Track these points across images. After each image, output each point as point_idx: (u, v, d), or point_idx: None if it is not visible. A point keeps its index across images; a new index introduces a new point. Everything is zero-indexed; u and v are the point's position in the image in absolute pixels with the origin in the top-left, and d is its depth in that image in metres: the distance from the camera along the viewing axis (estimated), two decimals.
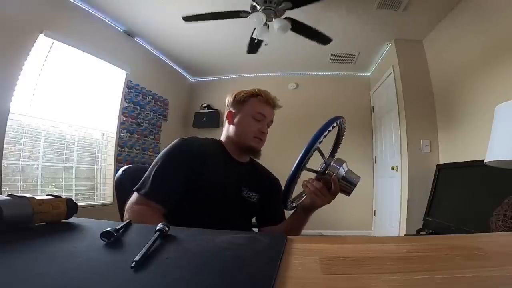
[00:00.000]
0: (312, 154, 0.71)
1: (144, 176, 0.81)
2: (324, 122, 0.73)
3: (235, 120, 0.95)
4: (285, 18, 2.21)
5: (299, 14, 2.23)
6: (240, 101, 0.95)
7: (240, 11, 2.17)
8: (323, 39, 2.43)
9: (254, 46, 2.64)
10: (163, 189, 0.79)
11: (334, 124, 0.72)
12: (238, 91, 0.97)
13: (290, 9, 2.15)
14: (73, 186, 2.50)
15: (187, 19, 2.28)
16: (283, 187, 1.05)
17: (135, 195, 0.79)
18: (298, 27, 2.30)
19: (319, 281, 0.31)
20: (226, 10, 2.17)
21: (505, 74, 1.79)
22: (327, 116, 0.76)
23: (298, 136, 3.82)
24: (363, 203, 3.59)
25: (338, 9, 2.47)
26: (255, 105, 0.93)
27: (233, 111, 0.96)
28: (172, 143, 0.88)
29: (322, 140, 0.70)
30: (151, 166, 0.83)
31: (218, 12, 2.19)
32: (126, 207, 0.76)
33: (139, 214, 0.72)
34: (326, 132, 0.70)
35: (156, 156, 0.86)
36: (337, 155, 0.85)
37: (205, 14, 2.21)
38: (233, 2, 2.21)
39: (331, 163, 0.76)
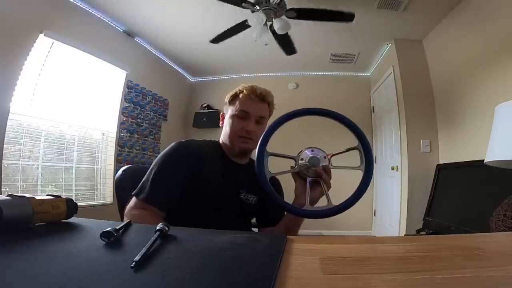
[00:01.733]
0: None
1: (142, 181, 0.81)
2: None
3: (224, 122, 0.96)
4: (291, 9, 2.18)
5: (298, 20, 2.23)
6: (228, 102, 0.95)
7: (247, 22, 2.18)
8: (346, 17, 2.24)
9: (221, 37, 2.58)
10: (162, 193, 0.78)
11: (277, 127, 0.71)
12: (230, 92, 0.96)
13: (292, 18, 2.16)
14: (73, 186, 2.50)
15: (214, 41, 2.50)
16: (282, 188, 1.05)
17: (133, 200, 0.78)
18: (313, 14, 2.22)
19: (319, 281, 0.31)
20: (226, 7, 2.16)
21: (505, 74, 1.79)
22: None
23: (297, 136, 3.83)
24: (363, 203, 3.57)
25: (338, 9, 2.47)
26: (239, 103, 0.91)
27: (224, 113, 0.98)
28: (169, 147, 0.87)
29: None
30: (148, 170, 0.82)
31: (234, 27, 2.27)
32: (125, 211, 0.76)
33: (139, 218, 0.71)
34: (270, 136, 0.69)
35: (156, 157, 0.86)
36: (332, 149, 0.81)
37: (226, 32, 2.36)
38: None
39: (299, 163, 0.72)
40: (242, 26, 2.31)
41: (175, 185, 0.81)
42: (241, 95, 0.92)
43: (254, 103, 0.91)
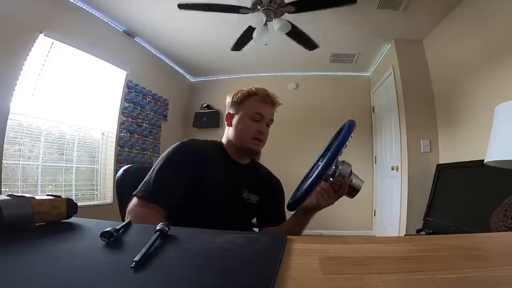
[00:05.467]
0: (332, 167, 0.72)
1: (144, 180, 0.80)
2: (339, 129, 0.72)
3: (233, 122, 0.94)
4: (290, 3, 2.16)
5: (299, 14, 2.23)
6: (237, 102, 0.93)
7: (240, 7, 2.15)
8: (310, 45, 2.46)
9: (240, 44, 2.59)
10: (164, 191, 0.78)
11: (352, 135, 0.72)
12: (236, 91, 0.96)
13: (292, 13, 2.15)
14: (73, 186, 2.50)
15: (182, 6, 2.21)
16: (283, 188, 1.05)
17: (135, 199, 0.77)
18: (314, 2, 2.20)
19: (319, 281, 0.31)
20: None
21: (505, 74, 1.79)
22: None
23: (298, 136, 3.84)
24: (363, 203, 3.59)
25: (338, 9, 2.47)
26: (252, 105, 0.92)
27: (232, 112, 0.96)
28: (172, 147, 0.87)
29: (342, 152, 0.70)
30: (150, 170, 0.82)
31: (216, 4, 2.14)
32: (127, 209, 0.75)
33: (140, 217, 0.71)
34: (347, 143, 0.70)
35: (156, 156, 0.86)
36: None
37: (202, 4, 2.16)
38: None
39: (340, 166, 0.76)
40: (224, 8, 2.20)
41: (177, 184, 0.81)
42: (255, 97, 0.92)
43: (268, 106, 0.93)
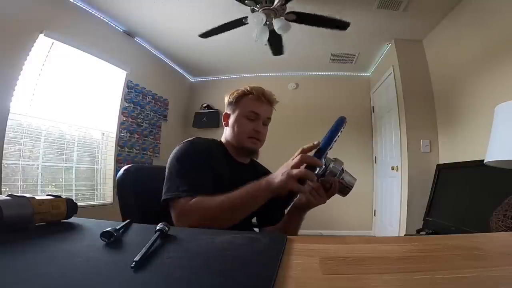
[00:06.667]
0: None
1: (168, 186, 0.75)
2: (330, 127, 0.72)
3: (230, 122, 0.94)
4: (291, 12, 2.18)
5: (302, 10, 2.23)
6: (233, 102, 0.93)
7: (242, 18, 2.18)
8: (340, 25, 2.30)
9: (277, 47, 2.60)
10: (199, 184, 0.74)
11: (339, 133, 0.71)
12: (233, 91, 0.96)
13: (285, 4, 2.13)
14: (73, 186, 2.50)
15: (204, 35, 2.41)
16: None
17: (180, 201, 0.71)
18: (311, 19, 2.24)
19: (319, 281, 0.31)
20: (226, 8, 2.17)
21: (505, 74, 1.79)
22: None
23: (298, 136, 3.83)
24: (363, 203, 3.59)
25: (338, 9, 2.47)
26: (247, 104, 0.91)
27: (228, 112, 0.96)
28: (180, 147, 0.84)
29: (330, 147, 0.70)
30: (169, 174, 0.77)
31: (228, 23, 2.25)
32: (176, 214, 0.70)
33: (197, 206, 0.68)
34: (333, 142, 0.70)
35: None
36: (334, 155, 0.84)
37: (217, 27, 2.30)
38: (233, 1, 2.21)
39: (331, 165, 0.75)
40: (237, 23, 2.27)
41: (206, 176, 0.78)
42: (250, 96, 0.92)
43: (264, 105, 0.92)
